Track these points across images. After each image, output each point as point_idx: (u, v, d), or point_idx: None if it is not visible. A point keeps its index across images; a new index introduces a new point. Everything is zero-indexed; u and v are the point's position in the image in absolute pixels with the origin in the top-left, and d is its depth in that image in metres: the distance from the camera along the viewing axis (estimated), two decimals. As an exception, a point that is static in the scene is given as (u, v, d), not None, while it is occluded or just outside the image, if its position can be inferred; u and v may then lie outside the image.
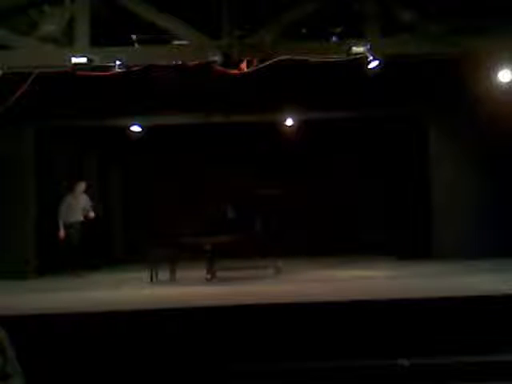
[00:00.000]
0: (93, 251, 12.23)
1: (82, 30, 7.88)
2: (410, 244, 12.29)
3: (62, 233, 10.97)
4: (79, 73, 7.82)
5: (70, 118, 11.23)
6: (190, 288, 8.63)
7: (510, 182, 11.40)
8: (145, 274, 9.69)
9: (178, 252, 9.74)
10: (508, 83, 9.12)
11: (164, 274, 9.65)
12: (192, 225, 9.57)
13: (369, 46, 7.76)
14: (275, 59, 7.91)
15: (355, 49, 7.77)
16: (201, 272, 9.49)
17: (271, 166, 14.66)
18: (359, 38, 7.92)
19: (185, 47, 8.09)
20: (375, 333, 5.93)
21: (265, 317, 6.17)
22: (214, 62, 7.76)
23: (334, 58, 7.98)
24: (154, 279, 9.59)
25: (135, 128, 12.01)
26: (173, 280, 9.62)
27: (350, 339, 5.88)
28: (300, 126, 12.08)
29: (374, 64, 7.94)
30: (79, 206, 11.21)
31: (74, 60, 7.62)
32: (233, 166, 14.53)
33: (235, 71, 7.95)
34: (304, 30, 8.45)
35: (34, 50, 7.98)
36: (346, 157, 15.05)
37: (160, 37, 8.13)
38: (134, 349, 5.85)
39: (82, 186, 11.41)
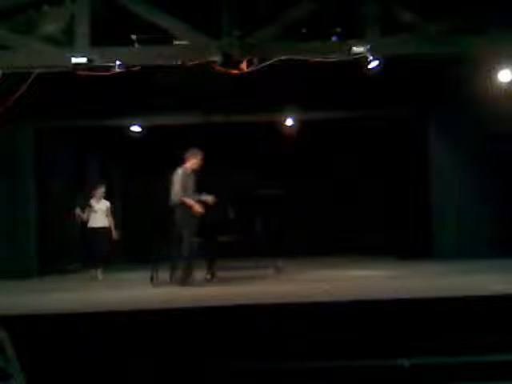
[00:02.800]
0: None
1: (82, 30, 7.89)
2: (410, 244, 12.30)
3: (197, 208, 8.64)
4: (79, 73, 7.84)
5: (70, 118, 11.24)
6: (190, 288, 8.61)
7: (510, 182, 11.40)
8: (145, 274, 9.69)
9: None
10: (508, 83, 9.12)
11: (164, 274, 9.65)
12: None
13: (369, 46, 7.77)
14: (275, 59, 7.91)
15: (355, 49, 7.79)
16: (201, 272, 9.48)
17: (271, 165, 14.65)
18: (359, 38, 7.93)
19: (185, 47, 8.09)
20: (375, 333, 5.93)
21: (265, 317, 6.16)
22: (214, 61, 7.77)
23: (333, 57, 7.98)
24: (154, 279, 9.58)
25: (135, 128, 12.01)
26: (173, 280, 9.61)
27: (350, 339, 5.87)
28: (300, 126, 12.08)
29: (374, 64, 7.95)
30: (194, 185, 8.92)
31: (74, 60, 7.64)
32: (233, 166, 14.53)
33: (235, 71, 7.96)
34: (304, 30, 8.45)
35: (33, 50, 7.99)
36: (346, 157, 15.05)
37: (160, 37, 8.13)
38: (134, 349, 5.85)
39: (195, 157, 8.87)
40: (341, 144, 14.62)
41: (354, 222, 14.83)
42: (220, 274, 9.53)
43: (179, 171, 8.80)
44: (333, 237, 14.49)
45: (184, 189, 8.70)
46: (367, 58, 7.84)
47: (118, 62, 7.81)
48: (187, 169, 8.83)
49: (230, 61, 7.81)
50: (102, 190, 10.79)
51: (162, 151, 14.41)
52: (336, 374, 5.52)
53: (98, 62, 7.76)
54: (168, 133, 12.45)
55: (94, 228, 10.63)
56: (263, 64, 7.97)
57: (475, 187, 11.57)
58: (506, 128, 10.92)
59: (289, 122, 11.99)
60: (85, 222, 10.73)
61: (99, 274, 10.61)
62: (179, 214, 8.72)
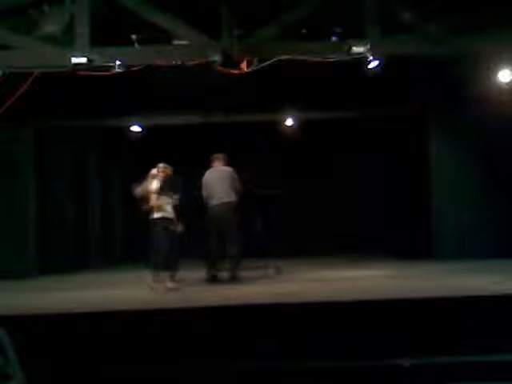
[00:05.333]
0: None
1: (82, 30, 7.88)
2: (410, 244, 12.29)
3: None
4: (79, 73, 7.83)
5: (69, 118, 11.23)
6: (190, 288, 8.62)
7: (510, 182, 11.40)
8: (145, 274, 9.68)
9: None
10: (508, 83, 9.12)
11: (164, 274, 9.64)
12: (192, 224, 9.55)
13: (369, 46, 7.77)
14: (275, 59, 7.91)
15: (355, 49, 7.78)
16: (201, 272, 9.48)
17: (271, 165, 14.65)
18: (359, 38, 7.93)
19: (185, 47, 8.09)
20: (375, 333, 5.93)
21: (265, 317, 6.17)
22: (214, 61, 7.77)
23: (333, 58, 7.98)
24: (154, 279, 9.57)
25: (135, 128, 12.01)
26: (173, 280, 9.61)
27: (351, 339, 5.88)
28: (300, 126, 12.08)
29: (373, 64, 7.95)
30: (225, 183, 9.03)
31: (74, 60, 7.63)
32: (232, 166, 14.50)
33: (235, 71, 7.96)
34: (304, 30, 8.45)
35: (33, 50, 7.99)
36: (346, 157, 15.05)
37: (160, 37, 8.13)
38: (134, 349, 5.85)
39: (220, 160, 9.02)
40: (341, 144, 14.61)
41: (353, 222, 14.82)
42: (220, 274, 9.53)
43: (229, 169, 9.29)
44: (333, 237, 14.48)
45: (205, 188, 9.16)
46: (367, 57, 7.84)
47: (118, 62, 7.80)
48: (216, 169, 9.31)
49: (229, 61, 7.81)
50: (164, 169, 8.75)
51: (162, 151, 14.43)
52: (336, 374, 5.52)
53: (97, 62, 7.75)
54: (168, 133, 12.45)
55: (153, 219, 8.64)
56: (263, 64, 7.97)
57: (475, 187, 11.56)
58: (506, 128, 10.92)
59: (289, 122, 11.99)
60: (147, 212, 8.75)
61: (170, 282, 8.49)
62: (230, 212, 9.01)
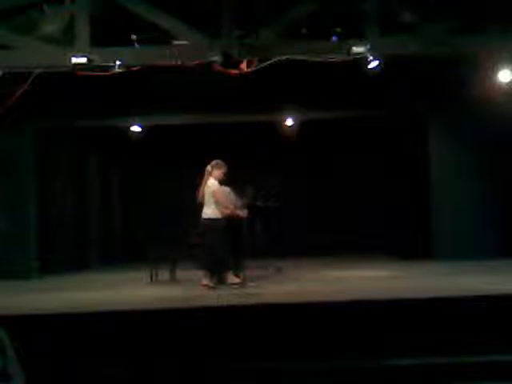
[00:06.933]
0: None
1: (82, 30, 7.89)
2: (410, 244, 12.30)
3: None
4: (79, 73, 7.84)
5: (70, 118, 11.23)
6: (189, 288, 8.62)
7: (510, 182, 11.40)
8: (145, 274, 9.69)
9: (178, 252, 9.73)
10: (508, 83, 9.12)
11: (164, 274, 9.65)
12: (192, 224, 9.55)
13: (369, 46, 7.77)
14: (275, 59, 7.92)
15: (355, 49, 7.79)
16: (201, 272, 9.47)
17: (271, 165, 14.66)
18: (359, 38, 7.93)
19: (185, 47, 8.09)
20: (375, 333, 5.93)
21: (265, 317, 6.17)
22: (214, 61, 7.77)
23: (333, 58, 7.99)
24: (154, 279, 9.59)
25: (135, 128, 12.00)
26: (173, 280, 9.62)
27: (350, 339, 5.88)
28: (300, 126, 12.08)
29: (373, 64, 7.95)
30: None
31: (74, 60, 7.64)
32: (232, 166, 14.52)
33: (235, 71, 7.96)
34: (304, 30, 8.45)
35: (34, 50, 7.99)
36: (346, 157, 15.05)
37: (160, 37, 8.13)
38: (133, 349, 5.85)
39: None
40: (341, 144, 14.62)
41: (354, 222, 14.82)
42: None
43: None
44: (333, 236, 14.49)
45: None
46: (367, 58, 7.85)
47: (118, 62, 7.81)
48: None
49: (229, 61, 7.81)
50: (220, 166, 8.78)
51: (162, 151, 14.45)
52: (336, 374, 5.52)
53: (97, 62, 7.76)
54: (168, 133, 12.45)
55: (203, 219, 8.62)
56: (263, 64, 7.97)
57: (475, 187, 11.56)
58: (506, 128, 10.92)
59: (289, 122, 11.99)
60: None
61: (234, 278, 8.63)
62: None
